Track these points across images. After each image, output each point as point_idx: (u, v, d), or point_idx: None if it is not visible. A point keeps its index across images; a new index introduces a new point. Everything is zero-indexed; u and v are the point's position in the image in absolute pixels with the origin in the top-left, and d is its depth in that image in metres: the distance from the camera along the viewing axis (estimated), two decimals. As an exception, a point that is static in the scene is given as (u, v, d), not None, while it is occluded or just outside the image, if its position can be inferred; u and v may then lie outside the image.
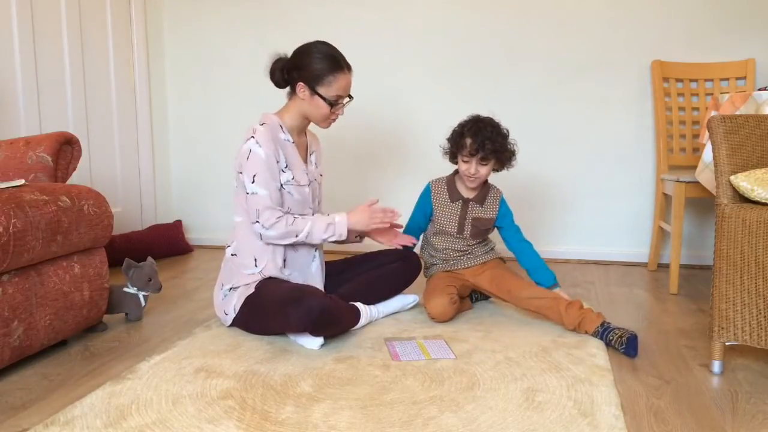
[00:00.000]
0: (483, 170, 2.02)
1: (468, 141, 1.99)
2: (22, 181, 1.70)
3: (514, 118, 3.04)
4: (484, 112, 2.10)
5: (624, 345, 1.73)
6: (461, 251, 2.14)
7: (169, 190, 3.52)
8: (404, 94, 3.14)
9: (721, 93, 2.46)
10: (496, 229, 2.21)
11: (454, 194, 2.12)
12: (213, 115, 3.39)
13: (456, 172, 2.14)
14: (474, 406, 1.39)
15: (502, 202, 2.15)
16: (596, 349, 1.75)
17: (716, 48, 2.81)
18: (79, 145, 2.00)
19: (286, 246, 1.90)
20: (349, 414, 1.35)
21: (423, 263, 2.23)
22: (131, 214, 3.20)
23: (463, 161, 2.03)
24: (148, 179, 3.32)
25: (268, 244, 1.88)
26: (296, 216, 1.86)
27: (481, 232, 2.13)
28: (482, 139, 1.96)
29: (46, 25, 2.61)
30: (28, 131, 2.50)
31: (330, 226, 1.86)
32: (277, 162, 1.85)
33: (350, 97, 1.92)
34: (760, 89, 2.13)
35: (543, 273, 2.07)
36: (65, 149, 1.96)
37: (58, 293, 1.69)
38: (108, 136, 3.03)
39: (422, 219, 2.19)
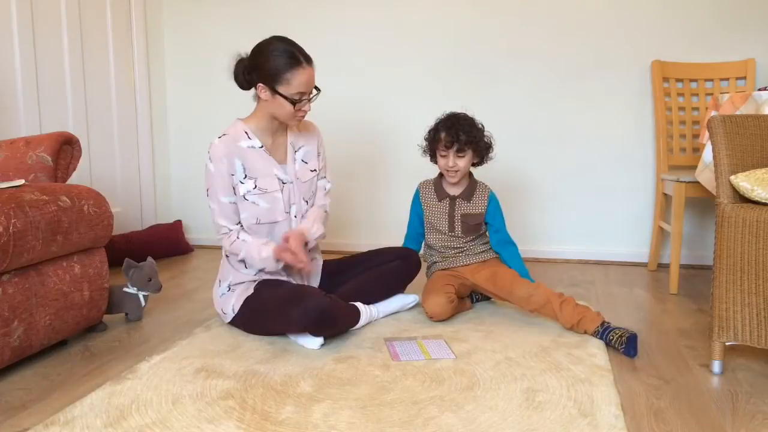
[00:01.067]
0: (461, 162, 2.07)
1: (443, 135, 2.06)
2: (22, 181, 1.70)
3: (514, 117, 3.04)
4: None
5: (624, 345, 1.73)
6: (457, 248, 2.16)
7: (169, 190, 3.52)
8: (404, 94, 3.14)
9: (721, 93, 2.46)
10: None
11: (441, 193, 2.17)
12: (213, 115, 3.39)
13: (442, 173, 2.18)
14: (474, 406, 1.39)
15: (492, 199, 2.17)
16: (596, 349, 1.75)
17: (716, 48, 2.81)
18: (79, 145, 2.00)
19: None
20: (349, 414, 1.35)
21: (424, 263, 2.25)
22: (131, 214, 3.20)
23: (441, 156, 2.09)
24: (148, 179, 3.32)
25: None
26: (238, 237, 1.85)
27: (472, 228, 2.15)
28: (456, 131, 2.04)
29: (46, 25, 2.61)
30: (28, 131, 2.50)
31: (266, 260, 1.83)
32: (232, 175, 1.83)
33: (317, 89, 1.86)
34: (760, 89, 2.13)
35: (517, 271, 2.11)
36: (65, 149, 1.96)
37: (58, 293, 1.69)
38: (108, 136, 3.03)
39: (419, 223, 2.24)
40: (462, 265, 2.15)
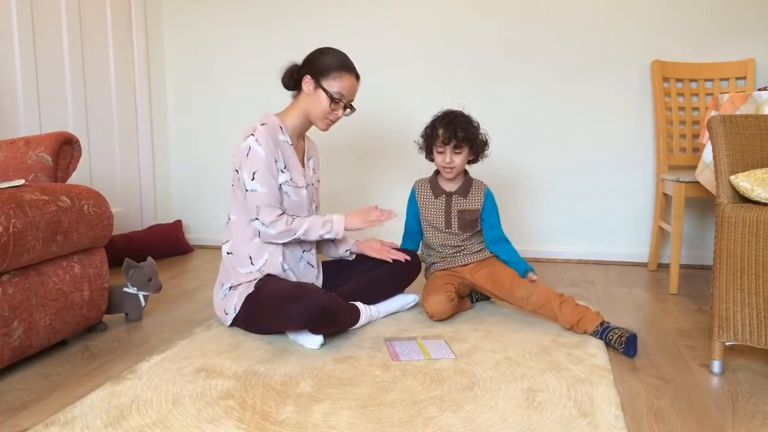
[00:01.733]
0: (457, 159, 2.08)
1: (440, 131, 2.08)
2: (22, 181, 1.70)
3: (513, 117, 3.04)
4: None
5: (624, 345, 1.73)
6: (455, 247, 2.16)
7: (169, 190, 3.52)
8: (404, 94, 3.14)
9: (721, 93, 2.46)
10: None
11: (437, 190, 2.18)
12: (213, 115, 3.39)
13: (438, 171, 2.19)
14: (474, 406, 1.39)
15: (488, 195, 2.18)
16: (596, 349, 1.75)
17: (716, 48, 2.81)
18: (79, 145, 2.00)
19: (282, 244, 1.91)
20: (349, 414, 1.35)
21: (423, 264, 2.25)
22: (131, 214, 3.20)
23: (438, 152, 2.11)
24: (148, 179, 3.32)
25: (266, 242, 1.88)
26: (294, 217, 1.89)
27: (469, 224, 2.15)
28: (454, 128, 2.06)
29: (46, 25, 2.61)
30: (28, 131, 2.50)
31: (327, 223, 1.91)
32: (276, 162, 1.86)
33: (352, 108, 1.96)
34: (760, 89, 2.13)
35: (516, 265, 2.11)
36: (65, 149, 1.96)
37: (58, 293, 1.69)
38: (108, 136, 3.03)
39: (415, 222, 2.24)
40: (460, 265, 2.15)
